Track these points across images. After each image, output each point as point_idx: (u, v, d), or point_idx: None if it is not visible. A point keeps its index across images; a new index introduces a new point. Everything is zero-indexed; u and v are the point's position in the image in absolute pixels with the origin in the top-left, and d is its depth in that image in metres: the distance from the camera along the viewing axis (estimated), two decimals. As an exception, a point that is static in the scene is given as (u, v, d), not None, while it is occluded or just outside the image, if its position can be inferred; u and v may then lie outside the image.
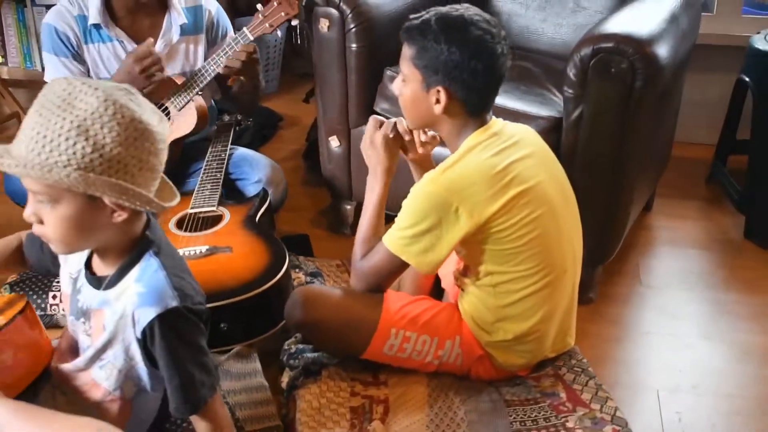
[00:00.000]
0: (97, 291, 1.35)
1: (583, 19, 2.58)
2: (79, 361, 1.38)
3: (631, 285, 2.33)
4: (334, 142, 2.45)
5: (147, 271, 1.31)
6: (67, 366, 1.40)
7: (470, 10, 1.62)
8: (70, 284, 1.45)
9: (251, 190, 2.33)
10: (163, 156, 1.30)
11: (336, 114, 2.42)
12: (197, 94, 2.29)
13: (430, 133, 1.80)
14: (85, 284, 1.38)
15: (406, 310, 1.71)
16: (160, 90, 2.23)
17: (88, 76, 2.30)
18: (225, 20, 2.46)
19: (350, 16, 2.29)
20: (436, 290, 1.95)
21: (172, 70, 2.33)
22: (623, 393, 1.85)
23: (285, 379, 1.76)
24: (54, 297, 2.05)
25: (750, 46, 2.64)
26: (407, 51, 1.64)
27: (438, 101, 1.62)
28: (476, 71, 1.58)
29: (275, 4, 2.20)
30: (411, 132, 1.80)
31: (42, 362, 1.43)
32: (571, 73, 1.98)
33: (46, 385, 1.42)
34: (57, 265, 1.49)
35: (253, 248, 1.99)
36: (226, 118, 2.66)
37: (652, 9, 2.20)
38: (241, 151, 2.49)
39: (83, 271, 1.39)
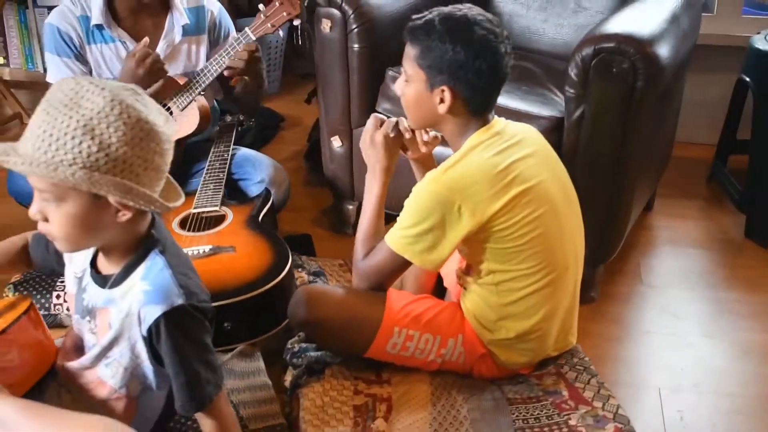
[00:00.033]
0: (102, 289, 1.36)
1: (584, 20, 2.59)
2: (85, 360, 1.39)
3: (633, 284, 2.34)
4: (336, 142, 2.46)
5: (153, 270, 1.31)
6: (72, 364, 1.41)
7: (473, 10, 1.62)
8: (75, 283, 1.45)
9: (254, 190, 2.33)
10: (169, 156, 1.30)
11: (338, 114, 2.43)
12: (199, 94, 2.30)
13: (432, 132, 1.81)
14: (90, 283, 1.39)
15: (409, 309, 1.72)
16: (162, 90, 2.24)
17: (91, 76, 2.31)
18: (227, 21, 2.46)
19: (352, 16, 2.30)
20: (438, 289, 1.96)
21: (175, 70, 2.34)
22: (625, 392, 1.86)
23: (288, 378, 1.77)
24: (57, 297, 2.06)
25: (750, 46, 2.65)
26: (411, 51, 1.64)
27: (442, 101, 1.63)
28: (481, 70, 1.59)
29: (277, 4, 2.20)
30: (413, 131, 1.81)
31: (47, 361, 1.44)
32: (572, 72, 1.98)
33: (52, 384, 1.42)
34: (62, 265, 1.50)
35: (256, 248, 2.00)
36: (229, 118, 2.66)
37: (653, 9, 2.21)
38: (244, 151, 2.49)
39: (88, 270, 1.40)
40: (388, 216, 1.78)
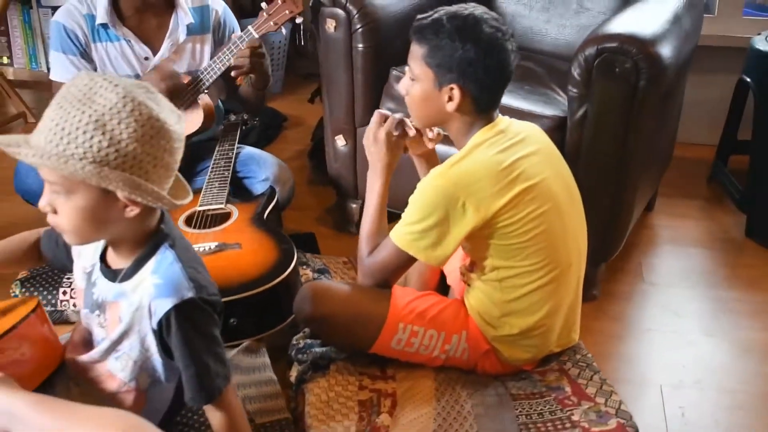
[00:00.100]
0: (112, 283, 1.37)
1: (586, 20, 2.60)
2: (94, 353, 1.40)
3: (634, 283, 2.36)
4: (340, 141, 2.47)
5: (163, 264, 1.33)
6: (82, 358, 1.42)
7: (478, 9, 1.64)
8: (84, 278, 1.47)
9: (258, 188, 2.35)
10: (179, 155, 1.31)
11: (342, 113, 2.44)
12: (203, 92, 2.31)
13: (436, 129, 1.82)
14: (100, 277, 1.40)
15: (414, 305, 1.74)
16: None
17: (96, 74, 2.32)
18: (232, 20, 2.48)
19: (357, 16, 2.32)
20: (441, 287, 1.97)
21: (179, 69, 2.35)
22: (627, 388, 1.88)
23: (293, 373, 1.78)
24: (64, 293, 2.07)
25: (751, 47, 2.67)
26: (418, 50, 1.65)
27: (450, 99, 1.64)
28: (489, 68, 1.61)
29: (279, 1, 2.21)
30: (417, 130, 1.82)
31: (55, 358, 1.45)
32: (575, 72, 2.00)
33: (61, 379, 1.43)
34: (72, 261, 1.51)
35: (261, 245, 2.01)
36: (233, 117, 2.68)
37: (655, 10, 2.23)
38: (249, 149, 2.51)
39: (98, 264, 1.41)
40: (391, 214, 1.79)
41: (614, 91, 1.97)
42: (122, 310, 1.35)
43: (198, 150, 2.45)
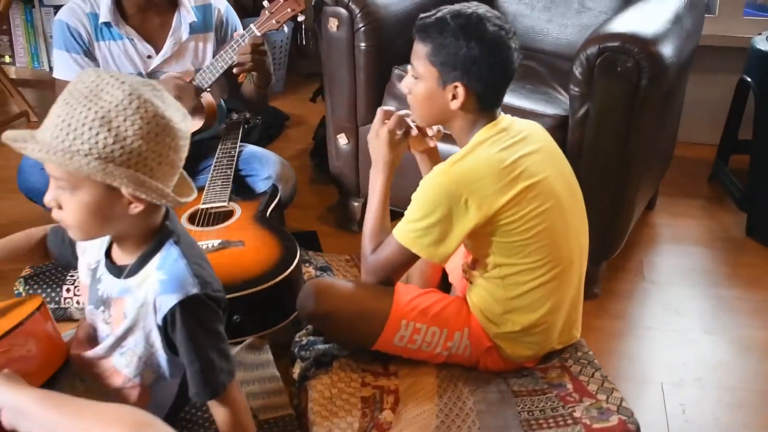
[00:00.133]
0: (117, 279, 1.38)
1: (587, 20, 2.61)
2: (99, 349, 1.41)
3: (635, 281, 2.37)
4: (343, 140, 2.48)
5: (168, 260, 1.33)
6: (87, 354, 1.42)
7: (481, 8, 1.65)
8: (89, 275, 1.47)
9: (261, 186, 2.35)
10: (184, 153, 1.32)
11: (344, 112, 2.45)
12: (206, 90, 2.32)
13: (436, 127, 1.83)
14: (105, 273, 1.41)
15: (416, 302, 1.74)
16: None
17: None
18: (234, 19, 2.49)
19: (359, 15, 2.32)
20: (443, 285, 1.98)
21: (181, 68, 2.37)
22: (628, 386, 1.88)
23: (296, 370, 1.79)
24: (68, 290, 2.08)
25: (752, 47, 2.68)
26: (422, 48, 1.66)
27: (454, 97, 1.65)
28: (494, 66, 1.62)
29: (281, 0, 2.22)
30: (419, 128, 1.82)
31: (59, 355, 1.45)
32: (577, 71, 2.01)
33: (67, 374, 1.44)
34: (77, 258, 1.52)
35: (264, 242, 2.02)
36: (235, 116, 2.69)
37: (657, 10, 2.24)
38: (251, 148, 2.51)
39: (103, 261, 1.42)
40: (394, 213, 1.80)
41: (616, 90, 1.98)
42: (127, 306, 1.35)
43: (200, 148, 2.45)
